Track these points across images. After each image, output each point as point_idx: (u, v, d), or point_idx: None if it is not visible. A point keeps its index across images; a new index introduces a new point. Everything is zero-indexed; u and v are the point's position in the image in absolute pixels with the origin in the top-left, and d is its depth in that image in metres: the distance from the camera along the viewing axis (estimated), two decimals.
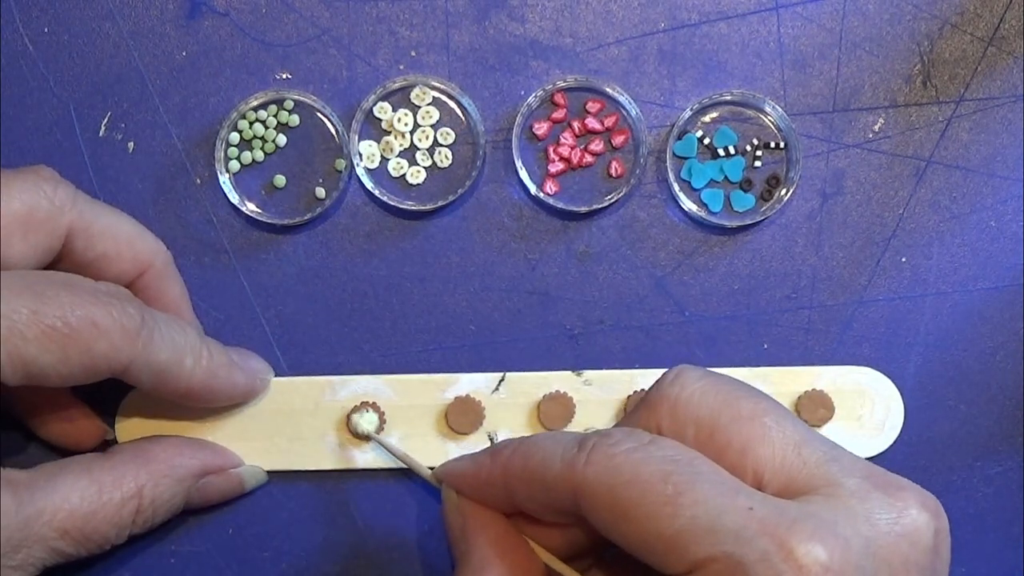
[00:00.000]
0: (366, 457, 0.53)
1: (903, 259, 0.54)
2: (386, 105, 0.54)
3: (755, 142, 0.54)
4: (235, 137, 0.54)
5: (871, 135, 0.55)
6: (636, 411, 0.41)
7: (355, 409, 0.52)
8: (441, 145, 0.54)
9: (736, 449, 0.38)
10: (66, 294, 0.42)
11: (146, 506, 0.47)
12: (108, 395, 0.52)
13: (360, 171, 0.54)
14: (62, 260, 0.47)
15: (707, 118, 0.55)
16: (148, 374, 0.45)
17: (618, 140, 0.54)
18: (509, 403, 0.53)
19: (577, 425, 0.53)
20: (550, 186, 0.54)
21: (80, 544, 0.45)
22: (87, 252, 0.47)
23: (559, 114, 0.54)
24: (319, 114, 0.54)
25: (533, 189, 0.53)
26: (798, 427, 0.39)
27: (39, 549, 0.44)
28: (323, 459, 0.53)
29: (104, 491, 0.46)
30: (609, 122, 0.54)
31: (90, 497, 0.45)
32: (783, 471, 0.38)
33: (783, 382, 0.53)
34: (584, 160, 0.54)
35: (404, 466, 0.52)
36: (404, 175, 0.54)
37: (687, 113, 0.54)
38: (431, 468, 0.47)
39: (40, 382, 0.42)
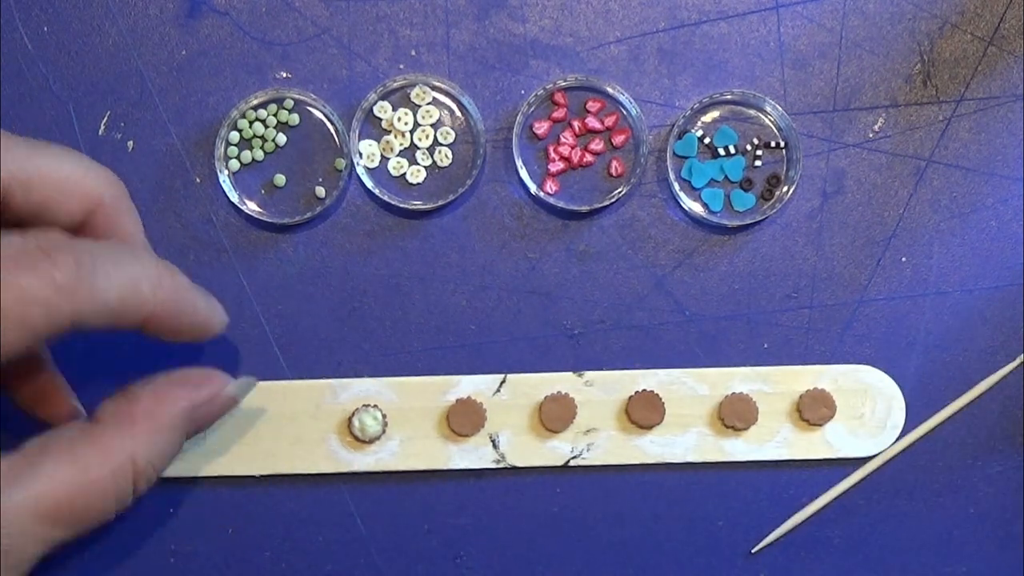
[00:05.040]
0: (367, 460, 0.52)
1: (903, 259, 0.54)
2: (386, 104, 0.54)
3: (755, 141, 0.54)
4: (235, 136, 0.53)
5: (871, 134, 0.55)
6: None
7: (357, 412, 0.52)
8: (441, 144, 0.54)
9: None
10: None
11: (143, 468, 0.44)
12: (106, 393, 0.52)
13: (360, 170, 0.53)
14: (1, 214, 0.44)
15: (707, 117, 0.55)
16: (103, 316, 0.41)
17: (618, 139, 0.54)
18: (510, 404, 0.53)
19: (580, 426, 0.53)
20: (550, 185, 0.54)
21: (75, 526, 0.43)
22: (27, 201, 0.44)
23: (559, 113, 0.54)
24: (319, 113, 0.54)
25: (533, 188, 0.53)
26: None
27: (31, 544, 0.41)
28: (324, 462, 0.52)
29: (91, 469, 0.43)
30: (609, 121, 0.54)
31: (77, 479, 0.42)
32: None
33: (784, 381, 0.53)
34: (584, 159, 0.54)
35: (405, 469, 0.52)
36: (404, 174, 0.54)
37: (687, 112, 0.54)
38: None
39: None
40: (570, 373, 0.53)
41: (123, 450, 0.44)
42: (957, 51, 0.55)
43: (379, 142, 0.54)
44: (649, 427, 0.53)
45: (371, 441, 0.52)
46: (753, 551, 0.54)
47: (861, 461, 0.54)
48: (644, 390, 0.52)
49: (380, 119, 0.54)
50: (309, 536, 0.53)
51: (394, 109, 0.54)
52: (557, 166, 0.54)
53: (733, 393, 0.53)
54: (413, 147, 0.54)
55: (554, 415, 0.52)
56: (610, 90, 0.54)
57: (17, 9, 0.53)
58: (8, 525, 0.41)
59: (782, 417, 0.53)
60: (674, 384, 0.53)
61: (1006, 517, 0.54)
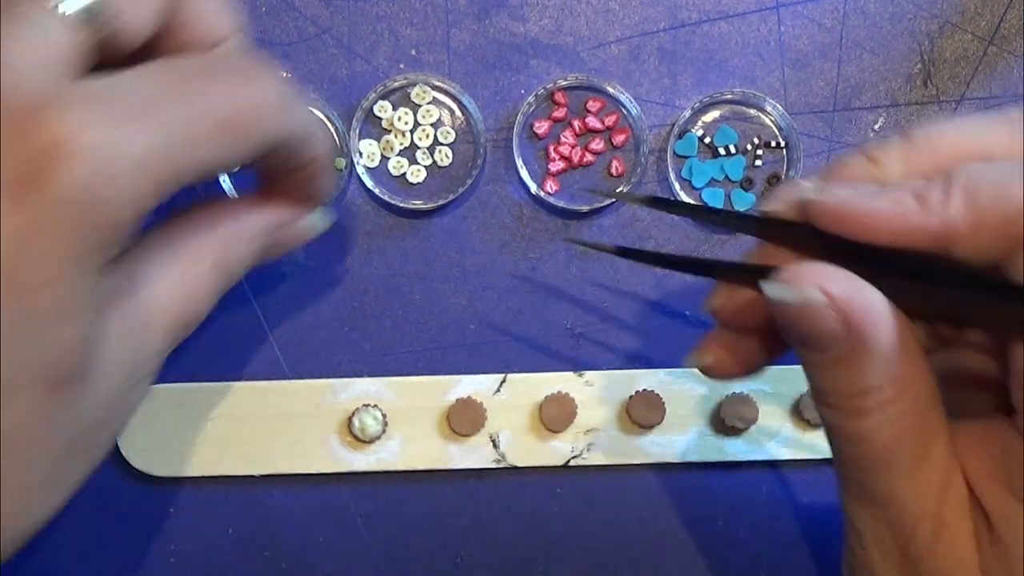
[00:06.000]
0: (367, 460, 0.52)
1: None
2: (386, 104, 0.54)
3: (756, 141, 0.54)
4: None
5: (872, 134, 0.55)
6: None
7: (357, 411, 0.52)
8: (441, 144, 0.54)
9: None
10: (222, 80, 0.37)
11: (228, 270, 0.44)
12: None
13: (360, 170, 0.53)
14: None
15: (708, 117, 0.55)
16: (297, 139, 0.41)
17: (619, 139, 0.54)
18: (511, 404, 0.53)
19: (579, 426, 0.53)
20: (550, 185, 0.54)
21: (181, 336, 0.42)
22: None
23: (559, 113, 0.54)
24: (319, 113, 0.54)
25: (534, 188, 0.53)
26: None
27: (153, 359, 0.41)
28: (324, 462, 0.52)
29: (187, 273, 0.42)
30: (610, 121, 0.54)
31: (177, 285, 0.41)
32: None
33: (784, 381, 0.53)
34: (585, 159, 0.54)
35: (405, 469, 0.52)
36: (404, 174, 0.54)
37: (688, 112, 0.54)
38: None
39: (203, 178, 0.37)
40: (570, 373, 0.53)
41: (210, 253, 0.43)
42: (957, 51, 0.55)
43: (379, 142, 0.54)
44: (649, 427, 0.53)
45: (371, 441, 0.52)
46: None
47: None
48: (644, 390, 0.52)
49: (380, 119, 0.54)
50: (309, 536, 0.53)
51: (394, 109, 0.54)
52: (557, 166, 0.54)
53: (733, 393, 0.53)
54: (413, 147, 0.54)
55: (554, 415, 0.52)
56: (610, 90, 0.54)
57: None
58: (133, 340, 0.39)
59: (782, 417, 0.53)
60: (674, 384, 0.53)
61: None
